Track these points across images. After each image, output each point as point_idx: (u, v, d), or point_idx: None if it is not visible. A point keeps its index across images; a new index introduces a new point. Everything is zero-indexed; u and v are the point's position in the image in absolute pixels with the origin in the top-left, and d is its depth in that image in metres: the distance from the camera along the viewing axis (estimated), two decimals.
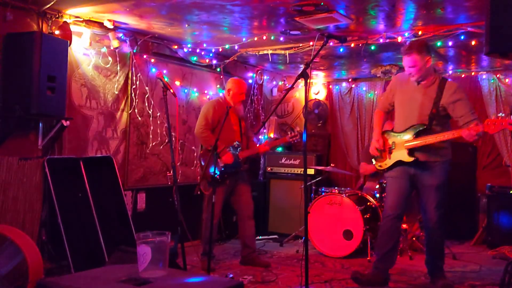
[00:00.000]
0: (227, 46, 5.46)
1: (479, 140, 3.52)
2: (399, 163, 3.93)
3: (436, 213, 3.95)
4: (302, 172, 6.18)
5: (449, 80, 3.89)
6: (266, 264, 4.70)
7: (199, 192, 4.47)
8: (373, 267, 4.06)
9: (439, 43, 4.78)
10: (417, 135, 3.81)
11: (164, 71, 5.19)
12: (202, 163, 4.68)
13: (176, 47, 5.52)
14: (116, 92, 4.94)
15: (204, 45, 5.51)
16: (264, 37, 4.99)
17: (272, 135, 7.21)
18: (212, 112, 4.61)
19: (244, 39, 5.16)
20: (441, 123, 3.84)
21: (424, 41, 4.02)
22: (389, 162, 3.99)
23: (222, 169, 4.54)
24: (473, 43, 4.77)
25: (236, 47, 5.48)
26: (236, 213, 4.89)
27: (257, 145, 4.94)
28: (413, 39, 4.66)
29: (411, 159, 3.84)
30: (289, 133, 4.87)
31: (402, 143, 3.88)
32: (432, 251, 4.09)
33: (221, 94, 5.74)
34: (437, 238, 4.07)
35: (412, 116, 3.87)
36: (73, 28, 4.37)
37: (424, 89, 3.85)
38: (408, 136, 3.87)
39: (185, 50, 5.58)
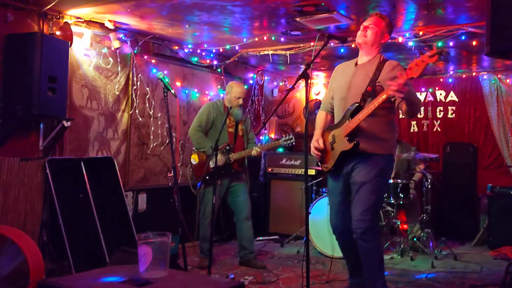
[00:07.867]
0: (227, 47, 5.46)
1: (409, 97, 2.94)
2: (342, 155, 3.26)
3: (363, 220, 3.19)
4: (302, 173, 6.16)
5: (390, 60, 3.33)
6: (261, 266, 4.68)
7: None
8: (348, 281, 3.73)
9: (440, 44, 4.78)
10: (352, 116, 3.20)
11: (165, 72, 5.18)
12: (193, 163, 4.83)
13: (176, 47, 5.52)
14: (117, 93, 4.94)
15: (205, 45, 5.51)
16: (265, 38, 5.00)
17: (272, 136, 7.21)
18: (206, 114, 4.74)
19: (244, 40, 5.16)
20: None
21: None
22: (333, 158, 3.34)
23: (212, 170, 4.53)
24: (474, 43, 4.77)
25: (236, 48, 5.48)
26: (234, 214, 4.89)
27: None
28: (414, 39, 4.67)
29: (351, 145, 3.19)
30: (284, 136, 4.88)
31: (341, 132, 3.28)
32: (366, 272, 3.31)
33: (222, 95, 5.74)
34: (367, 257, 3.26)
35: (347, 100, 3.30)
36: (74, 28, 4.37)
37: (361, 69, 3.31)
38: (345, 122, 3.27)
39: (186, 50, 5.58)
